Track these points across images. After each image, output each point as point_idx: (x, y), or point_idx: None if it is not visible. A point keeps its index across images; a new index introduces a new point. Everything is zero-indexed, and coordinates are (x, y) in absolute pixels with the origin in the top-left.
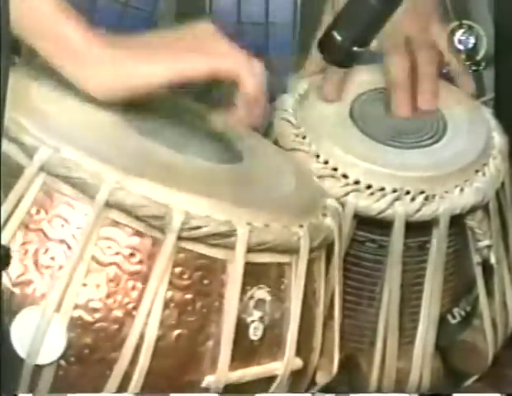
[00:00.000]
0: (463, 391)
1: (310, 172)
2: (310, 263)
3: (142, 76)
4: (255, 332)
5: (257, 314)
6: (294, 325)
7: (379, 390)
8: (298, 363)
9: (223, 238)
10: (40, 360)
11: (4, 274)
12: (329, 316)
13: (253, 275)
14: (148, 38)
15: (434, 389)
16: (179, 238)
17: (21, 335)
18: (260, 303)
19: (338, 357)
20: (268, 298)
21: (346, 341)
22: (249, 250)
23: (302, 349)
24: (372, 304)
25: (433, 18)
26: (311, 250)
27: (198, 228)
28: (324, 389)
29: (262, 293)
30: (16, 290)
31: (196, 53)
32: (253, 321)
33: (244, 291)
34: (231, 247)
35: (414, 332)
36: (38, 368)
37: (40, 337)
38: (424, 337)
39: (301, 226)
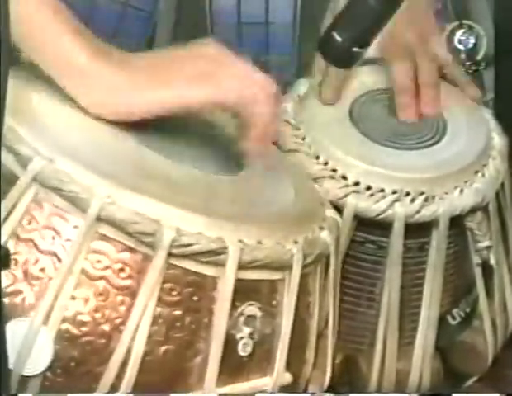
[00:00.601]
0: (463, 391)
1: (311, 179)
2: (305, 277)
3: (146, 105)
4: (244, 348)
5: (246, 330)
6: (284, 340)
7: (379, 391)
8: (287, 378)
9: (214, 256)
10: (27, 372)
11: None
12: (324, 328)
13: (243, 291)
14: (154, 58)
15: (434, 390)
16: (169, 255)
17: (8, 345)
18: (250, 319)
19: (331, 369)
20: (259, 314)
21: (346, 342)
22: (241, 267)
23: (294, 362)
24: (371, 304)
25: (432, 28)
26: (305, 265)
27: (189, 245)
28: (325, 389)
29: (252, 309)
30: (5, 300)
31: (201, 83)
32: (242, 337)
33: (234, 307)
34: (222, 264)
35: (414, 333)
36: (24, 379)
37: (27, 349)
38: (424, 337)
39: (296, 242)
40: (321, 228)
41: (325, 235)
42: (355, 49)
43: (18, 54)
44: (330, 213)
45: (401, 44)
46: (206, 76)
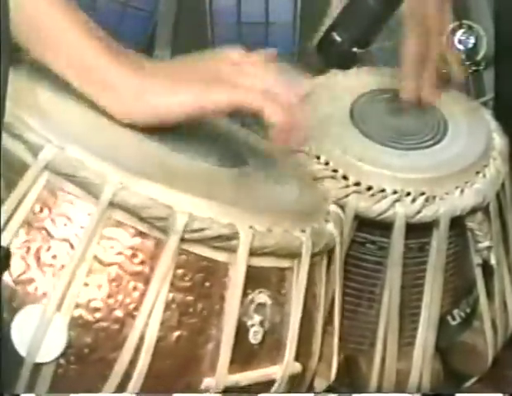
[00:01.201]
0: (464, 391)
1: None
2: (312, 268)
3: (168, 109)
4: (255, 336)
5: (257, 318)
6: (294, 329)
7: (379, 391)
8: (297, 367)
9: (225, 241)
10: (40, 359)
11: (5, 272)
12: (328, 321)
13: (254, 278)
14: (173, 66)
15: (434, 390)
16: (182, 240)
17: (21, 333)
18: (261, 307)
19: (337, 363)
20: (269, 302)
21: (346, 342)
22: (251, 254)
23: (301, 354)
24: (372, 305)
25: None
26: (313, 255)
27: (201, 230)
28: (325, 389)
29: (262, 297)
30: (18, 288)
31: (220, 86)
32: (253, 325)
33: (244, 295)
34: (233, 250)
35: (414, 334)
36: (37, 366)
37: (40, 336)
38: (424, 338)
39: (304, 231)
40: (327, 221)
41: (331, 227)
42: (355, 49)
43: (19, 54)
44: (334, 208)
45: (421, 12)
46: (225, 80)
